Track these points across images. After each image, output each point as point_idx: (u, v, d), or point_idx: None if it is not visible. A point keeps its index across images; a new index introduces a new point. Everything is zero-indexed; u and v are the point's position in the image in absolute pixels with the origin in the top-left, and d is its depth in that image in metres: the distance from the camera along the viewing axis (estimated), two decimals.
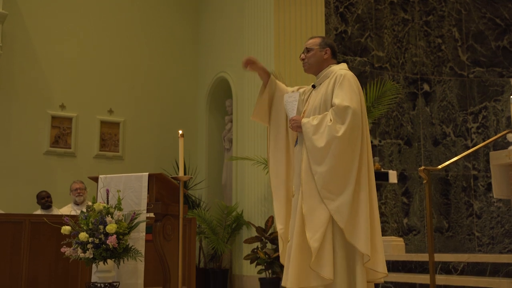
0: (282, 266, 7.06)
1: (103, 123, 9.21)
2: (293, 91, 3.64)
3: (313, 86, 3.61)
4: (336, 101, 3.33)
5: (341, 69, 3.50)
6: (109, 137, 9.24)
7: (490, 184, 7.47)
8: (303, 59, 3.62)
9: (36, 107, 8.74)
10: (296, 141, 3.51)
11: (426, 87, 8.45)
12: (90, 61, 9.21)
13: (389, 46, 8.38)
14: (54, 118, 8.85)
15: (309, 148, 3.33)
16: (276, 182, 3.60)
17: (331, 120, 3.29)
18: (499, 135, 5.20)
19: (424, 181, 4.39)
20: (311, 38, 3.68)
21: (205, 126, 9.63)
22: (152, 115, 9.58)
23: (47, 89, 8.87)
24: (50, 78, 8.91)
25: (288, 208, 3.54)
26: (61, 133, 8.90)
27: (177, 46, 9.94)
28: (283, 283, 3.36)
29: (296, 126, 3.42)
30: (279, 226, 3.54)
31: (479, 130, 8.33)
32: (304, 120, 3.39)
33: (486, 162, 8.02)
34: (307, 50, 3.60)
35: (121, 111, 9.36)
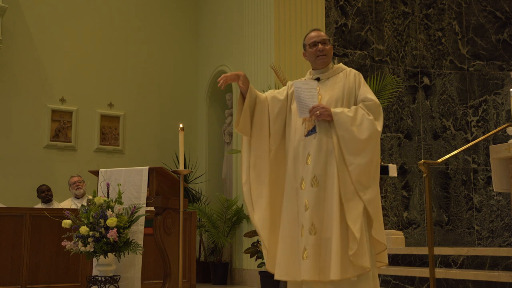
0: None
1: (103, 116, 9.21)
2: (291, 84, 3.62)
3: (317, 79, 3.58)
4: (370, 97, 3.44)
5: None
6: (109, 130, 9.24)
7: (490, 178, 7.48)
8: (322, 50, 3.55)
9: (36, 101, 8.74)
10: (314, 130, 3.40)
11: (426, 80, 8.44)
12: (90, 55, 9.20)
13: (389, 40, 8.36)
14: (54, 111, 8.85)
15: (345, 138, 3.32)
16: (259, 190, 3.49)
17: (368, 114, 3.37)
18: (499, 128, 5.19)
19: (424, 175, 4.39)
20: (318, 30, 3.64)
21: (205, 120, 9.63)
22: (152, 109, 9.58)
23: (47, 82, 8.87)
24: (50, 71, 8.90)
25: (271, 214, 3.46)
26: (61, 126, 8.90)
27: (177, 39, 9.93)
28: (307, 277, 3.23)
29: (327, 115, 3.35)
30: (264, 234, 3.42)
31: (479, 124, 8.32)
32: (337, 110, 3.37)
33: (486, 156, 8.02)
34: (325, 42, 3.56)
35: (121, 105, 9.36)
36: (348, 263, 3.20)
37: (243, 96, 3.58)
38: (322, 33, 3.60)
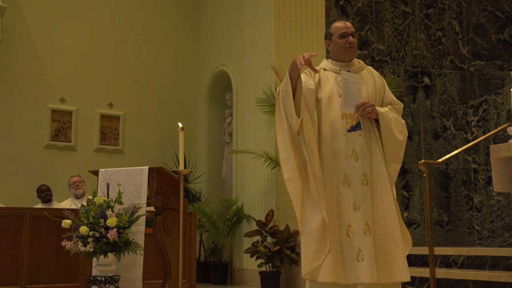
0: (282, 260, 7.08)
1: (103, 116, 9.21)
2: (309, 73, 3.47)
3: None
4: (397, 100, 3.47)
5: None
6: (109, 130, 9.24)
7: (490, 178, 7.47)
8: (353, 43, 3.42)
9: (36, 101, 8.74)
10: (358, 126, 3.29)
11: (426, 80, 8.43)
12: (90, 55, 9.20)
13: (390, 39, 8.35)
14: (54, 111, 8.85)
15: (387, 138, 3.31)
16: (320, 188, 3.22)
17: (400, 117, 3.40)
18: (499, 128, 5.19)
19: (424, 175, 4.39)
20: (344, 21, 3.52)
21: (205, 120, 9.62)
22: (152, 109, 9.57)
23: (47, 82, 8.87)
24: (50, 71, 8.90)
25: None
26: (61, 126, 8.89)
27: (177, 39, 9.92)
28: (366, 280, 3.07)
29: (376, 113, 3.28)
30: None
31: (480, 124, 8.32)
32: (381, 109, 3.32)
33: (486, 156, 8.01)
34: (354, 35, 3.44)
35: (121, 105, 9.35)
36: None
37: (292, 84, 3.27)
38: (350, 24, 3.47)
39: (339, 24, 3.47)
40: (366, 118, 3.29)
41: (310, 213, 3.23)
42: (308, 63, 3.20)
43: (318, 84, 3.41)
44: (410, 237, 3.30)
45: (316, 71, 3.29)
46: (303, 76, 3.42)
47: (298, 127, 3.26)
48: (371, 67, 3.54)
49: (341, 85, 3.28)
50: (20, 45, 8.71)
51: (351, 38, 3.41)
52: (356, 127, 3.28)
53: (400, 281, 3.13)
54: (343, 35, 3.41)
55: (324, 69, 3.48)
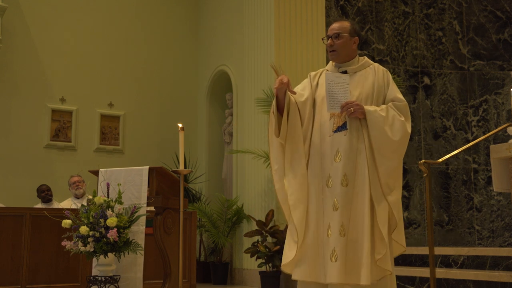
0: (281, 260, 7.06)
1: (103, 116, 9.21)
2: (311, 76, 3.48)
3: (344, 72, 3.42)
4: (400, 97, 3.38)
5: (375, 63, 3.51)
6: (109, 130, 9.24)
7: (490, 178, 7.46)
8: (331, 45, 3.40)
9: (36, 101, 8.74)
10: (344, 126, 3.26)
11: (426, 80, 8.43)
12: (90, 55, 9.20)
13: (390, 39, 8.35)
14: (54, 111, 8.85)
15: (377, 138, 3.22)
16: (299, 193, 3.27)
17: (399, 115, 3.29)
18: (499, 128, 5.19)
19: (424, 175, 4.39)
20: (338, 21, 3.47)
21: (206, 120, 9.62)
22: (152, 109, 9.57)
23: (47, 82, 8.87)
24: (50, 71, 8.90)
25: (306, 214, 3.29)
26: (61, 126, 8.90)
27: (177, 39, 9.92)
28: (336, 280, 3.08)
29: (361, 112, 3.23)
30: (300, 235, 3.21)
31: (480, 124, 8.32)
32: (370, 108, 3.26)
33: (486, 156, 8.01)
34: (336, 36, 3.39)
35: (121, 105, 9.35)
36: (374, 266, 3.13)
37: (279, 103, 3.31)
38: (337, 26, 3.42)
39: (330, 25, 3.49)
40: (355, 118, 3.25)
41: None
42: (286, 86, 3.24)
43: (316, 86, 3.42)
44: (385, 242, 3.18)
45: (294, 93, 3.30)
46: (303, 83, 3.46)
47: (284, 141, 3.32)
48: (376, 64, 3.47)
49: (325, 86, 3.27)
50: (20, 45, 8.71)
51: (329, 40, 3.40)
52: (342, 128, 3.27)
53: (361, 284, 3.10)
54: (327, 38, 3.43)
55: (327, 71, 3.47)
